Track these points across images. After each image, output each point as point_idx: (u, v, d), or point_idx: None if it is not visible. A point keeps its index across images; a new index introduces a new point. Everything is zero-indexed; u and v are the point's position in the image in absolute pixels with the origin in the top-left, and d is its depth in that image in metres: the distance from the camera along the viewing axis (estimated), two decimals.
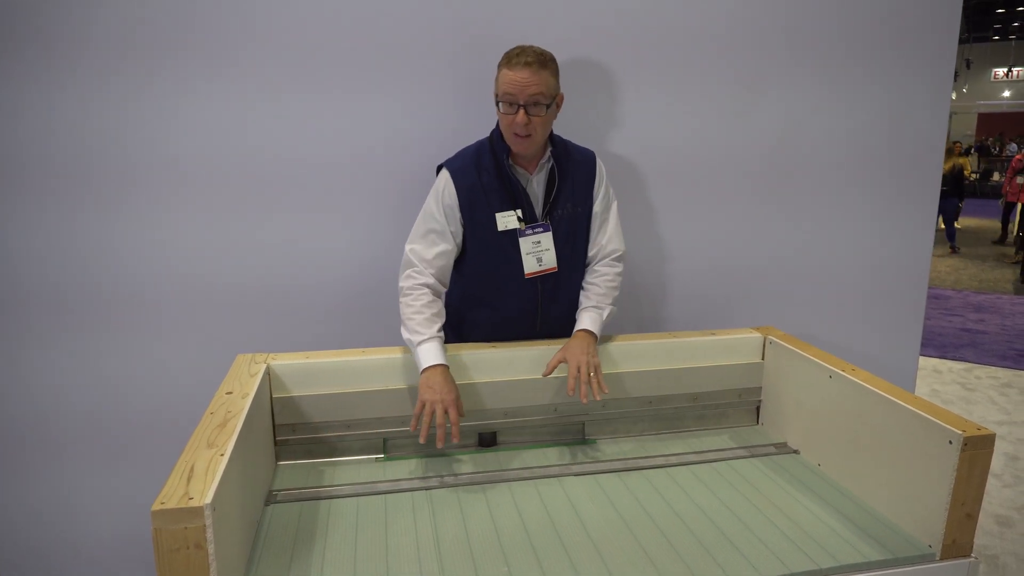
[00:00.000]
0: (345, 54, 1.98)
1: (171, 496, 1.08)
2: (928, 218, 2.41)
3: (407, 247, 1.78)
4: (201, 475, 1.14)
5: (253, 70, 1.94)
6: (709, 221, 2.29)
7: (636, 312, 2.31)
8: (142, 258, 1.99)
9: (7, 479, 2.06)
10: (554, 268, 1.83)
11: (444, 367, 1.64)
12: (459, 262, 1.84)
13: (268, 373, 1.69)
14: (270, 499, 1.57)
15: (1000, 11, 19.42)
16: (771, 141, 2.27)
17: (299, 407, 1.73)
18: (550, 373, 1.75)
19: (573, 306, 1.89)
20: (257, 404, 1.53)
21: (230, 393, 1.51)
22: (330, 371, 1.74)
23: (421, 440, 1.58)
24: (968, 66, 21.29)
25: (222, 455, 1.21)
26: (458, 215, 1.77)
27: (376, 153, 2.05)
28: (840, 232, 2.37)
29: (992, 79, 24.28)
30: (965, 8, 2.32)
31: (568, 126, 1.98)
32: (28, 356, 1.99)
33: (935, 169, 2.39)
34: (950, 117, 2.39)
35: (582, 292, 1.90)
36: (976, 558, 1.38)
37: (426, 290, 1.74)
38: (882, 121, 2.32)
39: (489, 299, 1.86)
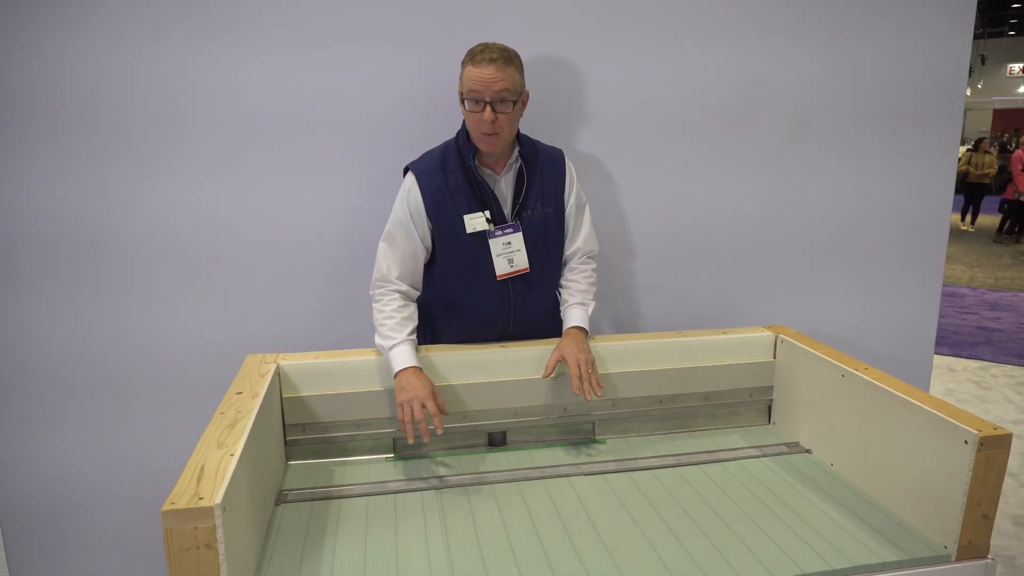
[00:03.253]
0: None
1: (181, 496, 1.08)
2: (943, 210, 2.37)
3: (380, 244, 1.78)
4: (211, 475, 1.15)
5: (304, 27, 1.93)
6: (712, 208, 2.25)
7: (637, 309, 2.29)
8: (145, 216, 1.98)
9: (11, 436, 2.06)
10: (526, 269, 1.81)
11: (415, 368, 1.66)
12: (429, 265, 1.83)
13: (278, 373, 1.69)
14: (280, 499, 1.58)
15: (1016, 6, 19.21)
16: (777, 125, 2.23)
17: (309, 407, 1.73)
18: (550, 373, 1.76)
19: (545, 307, 1.88)
20: (267, 404, 1.54)
21: (240, 393, 1.51)
22: (340, 371, 1.74)
23: (409, 440, 1.60)
24: (983, 62, 21.06)
25: (232, 455, 1.22)
26: (425, 218, 1.75)
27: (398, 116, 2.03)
28: (854, 220, 2.33)
29: (1008, 75, 24.01)
30: (980, 3, 2.27)
31: (559, 99, 1.93)
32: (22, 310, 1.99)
33: (951, 162, 2.33)
34: (964, 113, 2.34)
35: (564, 290, 1.89)
36: (993, 559, 1.36)
37: (396, 295, 1.75)
38: (892, 98, 2.27)
39: (460, 302, 1.83)
